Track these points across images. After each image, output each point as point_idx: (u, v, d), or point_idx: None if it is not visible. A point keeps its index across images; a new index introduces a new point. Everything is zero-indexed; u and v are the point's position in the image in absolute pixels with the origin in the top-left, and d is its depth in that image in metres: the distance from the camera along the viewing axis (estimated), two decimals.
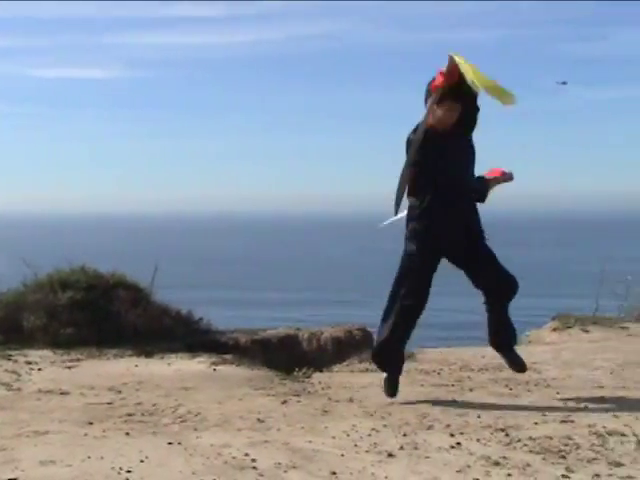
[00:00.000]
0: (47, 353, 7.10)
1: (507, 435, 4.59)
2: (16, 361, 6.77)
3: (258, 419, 4.94)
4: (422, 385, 6.02)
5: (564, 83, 6.49)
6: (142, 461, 4.10)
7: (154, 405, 5.32)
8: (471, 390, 5.85)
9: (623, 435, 4.54)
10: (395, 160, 5.17)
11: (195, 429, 4.70)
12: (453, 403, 5.42)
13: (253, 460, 4.14)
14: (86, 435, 4.54)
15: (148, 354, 7.09)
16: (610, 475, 3.94)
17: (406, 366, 6.69)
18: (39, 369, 6.49)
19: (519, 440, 4.49)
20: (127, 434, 4.57)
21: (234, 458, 4.18)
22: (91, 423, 4.80)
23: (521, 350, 7.79)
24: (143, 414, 5.09)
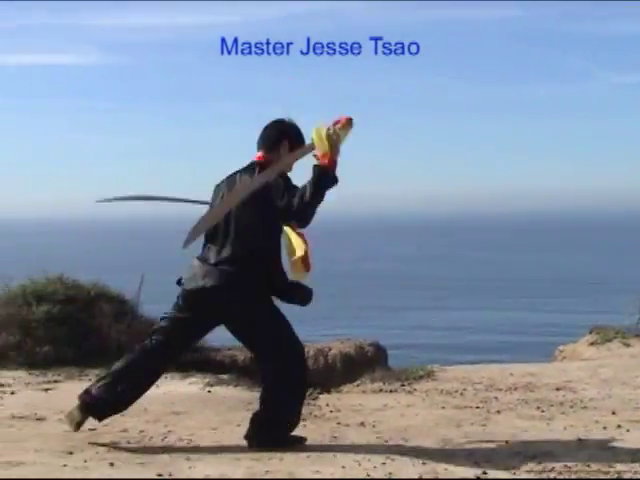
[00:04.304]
0: (21, 374, 7.10)
1: (539, 463, 4.57)
2: None
3: (259, 447, 4.92)
4: (443, 407, 6.01)
5: None
6: None
7: (141, 432, 5.31)
8: (498, 412, 5.83)
9: None
10: None
11: (187, 459, 4.68)
12: (478, 427, 5.40)
13: None
14: (65, 466, 4.52)
15: None
16: None
17: (425, 386, 6.69)
18: (12, 392, 6.48)
19: (552, 469, 4.47)
20: (111, 465, 4.56)
21: None
22: (71, 453, 4.78)
23: (554, 367, 7.79)
24: (129, 442, 5.08)
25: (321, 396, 6.55)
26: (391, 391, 6.63)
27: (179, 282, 5.05)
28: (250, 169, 5.03)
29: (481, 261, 59.38)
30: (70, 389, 6.55)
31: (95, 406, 5.02)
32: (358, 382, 7.10)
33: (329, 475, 4.40)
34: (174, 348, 5.15)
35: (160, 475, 4.37)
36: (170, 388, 6.54)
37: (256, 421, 5.01)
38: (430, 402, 6.17)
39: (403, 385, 6.78)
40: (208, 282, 4.86)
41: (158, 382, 6.74)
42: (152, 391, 6.46)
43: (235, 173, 5.09)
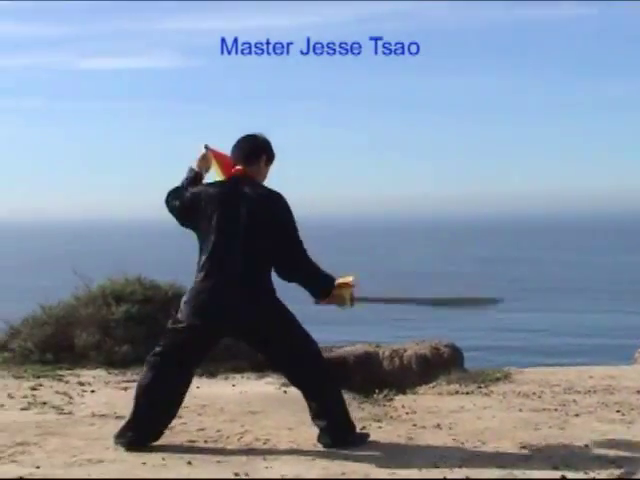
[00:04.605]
0: (101, 373, 7.23)
1: (619, 467, 4.49)
2: (67, 382, 6.92)
3: (335, 448, 4.94)
4: (520, 410, 5.94)
5: None
6: None
7: (218, 431, 5.36)
8: (577, 415, 5.75)
9: None
10: None
11: (264, 458, 4.72)
12: (556, 430, 5.33)
13: None
14: (144, 464, 4.60)
15: (211, 374, 7.17)
16: None
17: (502, 388, 6.63)
18: (92, 391, 6.61)
19: (632, 474, 4.39)
20: (189, 463, 4.62)
21: None
22: (150, 451, 4.86)
23: (634, 369, 7.64)
24: (206, 441, 5.14)
25: (396, 397, 6.54)
26: (467, 393, 6.58)
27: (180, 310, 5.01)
28: (245, 181, 5.04)
29: (558, 262, 58.59)
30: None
31: (140, 436, 4.97)
32: (434, 384, 7.06)
33: (405, 476, 4.39)
34: (191, 369, 5.15)
35: (237, 474, 4.41)
36: (246, 388, 6.59)
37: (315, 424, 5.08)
38: (507, 404, 6.11)
39: (480, 387, 6.73)
40: (238, 303, 4.87)
41: (234, 382, 6.83)
42: (228, 391, 6.54)
43: (220, 187, 5.05)
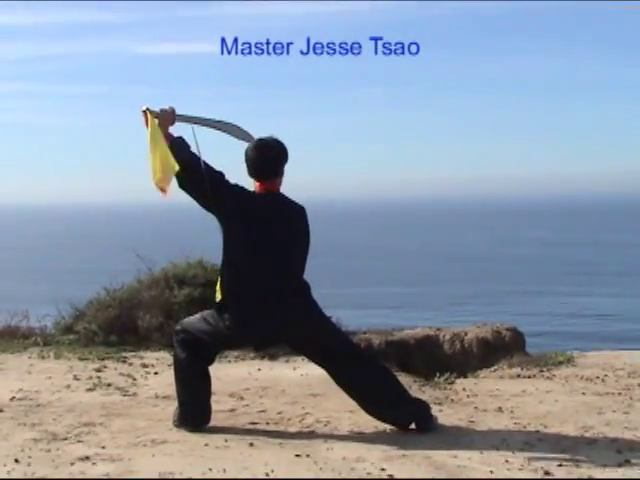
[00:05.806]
0: (164, 355, 7.32)
1: None
2: (131, 364, 7.03)
3: (395, 430, 4.96)
4: (583, 393, 5.90)
5: None
6: (267, 474, 4.19)
7: (279, 413, 5.41)
8: None
9: None
10: None
11: (325, 440, 4.76)
12: (620, 415, 5.28)
13: (390, 476, 4.17)
14: (207, 445, 4.67)
15: (272, 357, 7.22)
16: None
17: (565, 372, 6.59)
18: (155, 373, 6.71)
19: None
20: (251, 445, 4.67)
21: (369, 474, 4.22)
22: (212, 432, 4.93)
23: None
24: (268, 423, 5.19)
25: (457, 381, 6.53)
26: (529, 377, 6.54)
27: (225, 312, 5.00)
28: (276, 196, 5.01)
29: (626, 245, 57.72)
30: (210, 371, 6.74)
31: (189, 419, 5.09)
32: (495, 367, 7.03)
33: (466, 459, 4.39)
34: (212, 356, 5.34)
35: (298, 456, 4.45)
36: (307, 371, 6.62)
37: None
38: (570, 388, 6.06)
39: (542, 371, 6.68)
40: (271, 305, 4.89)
41: (295, 364, 6.87)
42: (290, 373, 6.59)
43: (255, 198, 4.97)
